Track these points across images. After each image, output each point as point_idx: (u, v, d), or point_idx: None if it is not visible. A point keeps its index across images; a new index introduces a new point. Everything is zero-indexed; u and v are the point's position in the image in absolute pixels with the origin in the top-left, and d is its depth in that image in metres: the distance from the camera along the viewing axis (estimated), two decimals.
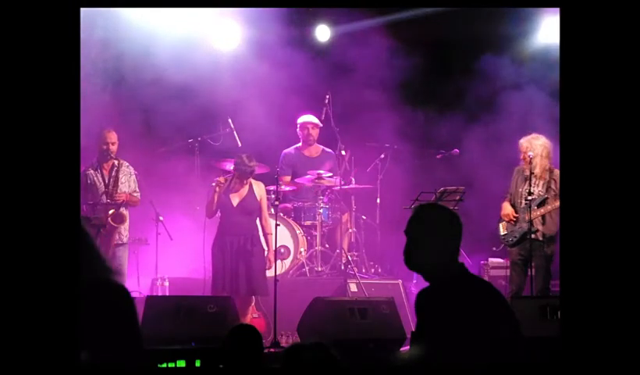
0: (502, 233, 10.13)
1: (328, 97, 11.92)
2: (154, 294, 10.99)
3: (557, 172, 9.83)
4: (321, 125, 12.34)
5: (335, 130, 11.78)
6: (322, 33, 13.32)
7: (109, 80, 12.12)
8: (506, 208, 10.07)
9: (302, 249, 11.54)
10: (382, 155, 12.39)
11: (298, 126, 12.51)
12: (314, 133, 12.43)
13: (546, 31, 12.42)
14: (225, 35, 12.67)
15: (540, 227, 9.87)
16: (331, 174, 11.79)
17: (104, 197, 10.06)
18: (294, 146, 12.58)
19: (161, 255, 10.81)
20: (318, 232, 11.74)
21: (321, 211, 11.76)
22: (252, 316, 10.21)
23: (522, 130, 10.27)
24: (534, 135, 9.98)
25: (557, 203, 9.60)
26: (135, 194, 10.35)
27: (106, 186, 10.09)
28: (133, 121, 12.00)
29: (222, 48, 12.75)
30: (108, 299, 3.62)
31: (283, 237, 11.25)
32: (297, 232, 11.54)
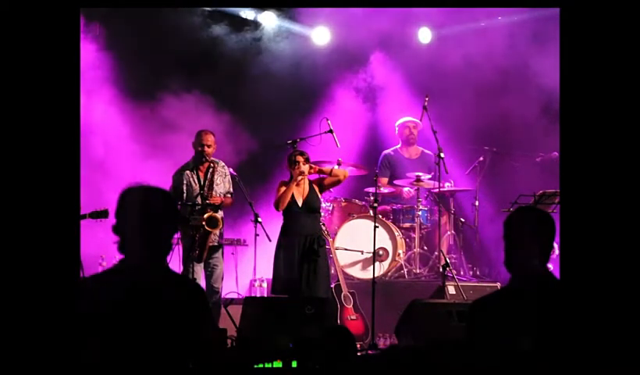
0: None
1: (426, 99, 11.82)
2: (253, 294, 11.09)
3: None
4: (422, 125, 12.29)
5: (433, 132, 11.65)
6: (424, 35, 13.48)
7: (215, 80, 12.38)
8: None
9: (400, 251, 11.49)
10: (481, 158, 12.29)
11: (397, 127, 12.55)
12: (415, 132, 12.51)
13: None
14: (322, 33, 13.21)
15: None
16: (430, 176, 11.72)
17: (199, 198, 9.88)
18: (393, 148, 12.59)
19: (259, 257, 10.85)
20: (416, 234, 11.70)
21: (419, 213, 11.73)
22: (350, 318, 10.20)
23: None
24: None
25: None
26: (228, 195, 10.17)
27: (201, 187, 9.90)
28: (233, 120, 12.10)
29: (320, 44, 13.22)
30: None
31: (382, 239, 11.19)
32: (396, 234, 11.50)
